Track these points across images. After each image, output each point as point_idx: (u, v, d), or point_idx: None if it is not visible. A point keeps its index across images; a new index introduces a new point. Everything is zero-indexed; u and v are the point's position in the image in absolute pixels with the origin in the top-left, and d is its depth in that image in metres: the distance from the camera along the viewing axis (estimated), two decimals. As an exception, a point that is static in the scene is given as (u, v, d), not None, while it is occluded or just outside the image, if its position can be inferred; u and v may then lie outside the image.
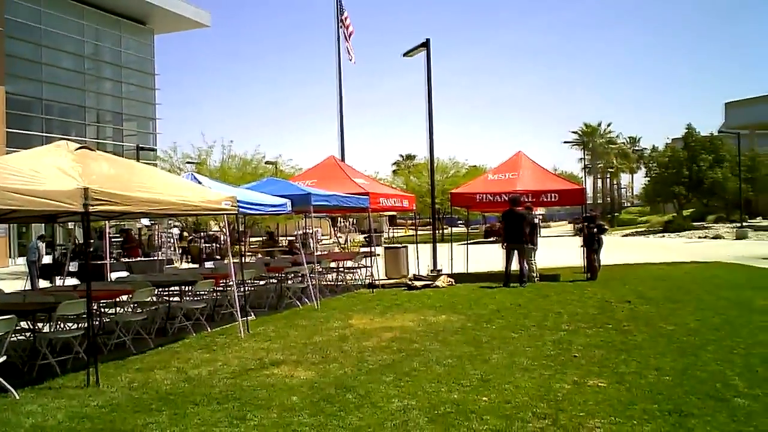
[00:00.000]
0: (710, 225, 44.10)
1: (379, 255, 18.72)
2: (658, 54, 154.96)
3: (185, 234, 35.67)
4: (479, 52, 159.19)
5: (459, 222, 46.68)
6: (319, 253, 21.45)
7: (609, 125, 79.46)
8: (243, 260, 15.60)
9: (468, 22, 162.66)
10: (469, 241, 20.59)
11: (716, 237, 35.77)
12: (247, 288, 13.36)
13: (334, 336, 9.77)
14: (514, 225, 15.74)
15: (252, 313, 11.82)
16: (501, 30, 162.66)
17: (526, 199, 16.76)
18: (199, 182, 11.82)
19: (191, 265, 25.68)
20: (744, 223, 37.46)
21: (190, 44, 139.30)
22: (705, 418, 5.37)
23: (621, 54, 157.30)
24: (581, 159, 78.64)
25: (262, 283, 14.90)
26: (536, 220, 17.02)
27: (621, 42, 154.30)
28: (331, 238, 44.41)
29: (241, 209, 10.62)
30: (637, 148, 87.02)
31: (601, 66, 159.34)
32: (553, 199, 17.59)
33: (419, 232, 28.79)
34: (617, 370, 7.04)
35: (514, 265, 15.59)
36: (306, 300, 13.44)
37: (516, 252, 15.72)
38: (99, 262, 16.65)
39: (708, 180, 43.32)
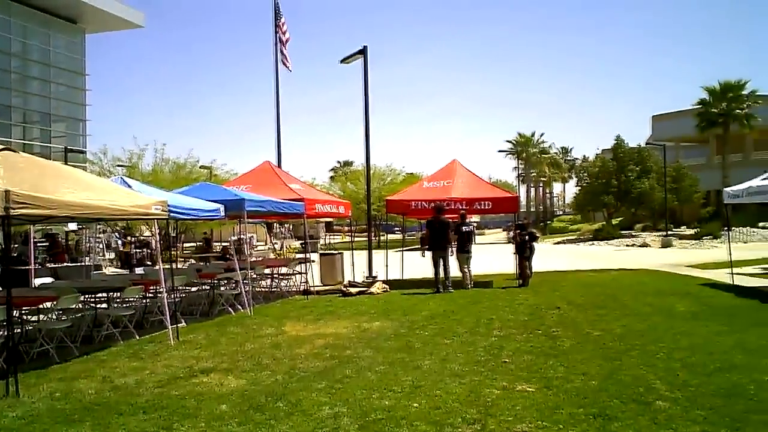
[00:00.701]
0: (637, 233, 45.51)
1: (314, 261, 18.65)
2: (590, 67, 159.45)
3: (128, 239, 34.73)
4: (418, 62, 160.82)
5: (395, 229, 46.89)
6: (253, 259, 21.21)
7: (542, 135, 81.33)
8: (175, 266, 15.31)
9: (407, 32, 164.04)
10: (404, 248, 20.71)
11: (643, 245, 36.93)
12: (178, 294, 13.11)
13: (267, 343, 9.67)
14: (439, 232, 16.08)
15: (183, 321, 11.60)
16: (440, 40, 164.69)
17: (461, 207, 17.01)
18: (129, 186, 11.55)
19: (121, 271, 25.02)
20: (669, 232, 38.80)
21: (123, 45, 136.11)
22: (627, 422, 5.52)
23: (555, 66, 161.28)
24: (515, 168, 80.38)
25: (194, 289, 14.64)
26: (470, 228, 17.23)
27: (555, 55, 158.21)
28: (266, 244, 43.93)
29: (172, 214, 10.41)
30: (569, 158, 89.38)
31: (536, 77, 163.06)
32: (486, 207, 17.84)
33: (356, 239, 28.78)
34: (545, 375, 7.18)
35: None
36: (239, 307, 13.27)
37: (441, 259, 15.98)
38: (23, 268, 16.03)
39: (635, 190, 44.73)
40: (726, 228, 26.38)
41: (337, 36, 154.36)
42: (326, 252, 22.36)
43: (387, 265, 17.92)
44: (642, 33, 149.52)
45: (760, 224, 39.57)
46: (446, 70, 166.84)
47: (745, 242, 33.79)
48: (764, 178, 15.15)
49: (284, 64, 34.70)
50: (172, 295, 11.78)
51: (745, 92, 44.96)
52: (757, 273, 18.34)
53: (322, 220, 43.66)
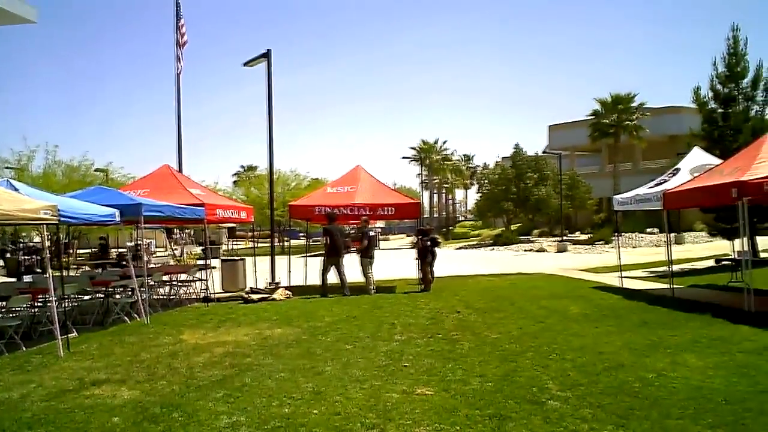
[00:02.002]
0: (535, 239, 47.09)
1: (215, 268, 18.27)
2: (492, 77, 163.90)
3: (16, 245, 32.85)
4: (325, 68, 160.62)
5: (299, 234, 46.56)
6: (151, 265, 20.56)
7: (445, 143, 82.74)
8: (67, 273, 14.65)
9: (312, 39, 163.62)
10: (308, 254, 20.61)
11: (540, 250, 38.20)
12: (69, 303, 12.54)
13: (164, 352, 9.39)
14: (333, 239, 16.41)
15: (74, 330, 11.10)
16: (346, 47, 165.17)
17: (364, 213, 17.12)
18: (16, 189, 10.95)
19: (8, 279, 23.68)
20: (564, 238, 40.32)
21: (12, 41, 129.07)
22: (522, 421, 5.70)
23: (458, 75, 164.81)
24: (419, 174, 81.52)
25: (87, 297, 14.03)
26: (372, 233, 17.36)
27: (459, 64, 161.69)
28: (166, 250, 42.68)
29: (63, 219, 9.96)
30: (471, 165, 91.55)
31: (440, 86, 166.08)
32: (389, 213, 18.00)
33: (259, 245, 28.38)
34: (444, 378, 7.30)
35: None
36: (135, 315, 12.82)
37: (334, 266, 16.34)
38: None
39: (533, 197, 46.22)
40: (616, 233, 27.65)
41: (244, 40, 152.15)
42: (228, 258, 21.94)
43: (290, 271, 17.77)
44: (540, 45, 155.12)
45: (648, 230, 41.74)
46: (352, 77, 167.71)
47: (633, 247, 35.53)
48: (650, 187, 16.02)
49: (177, 63, 33.87)
50: (63, 304, 11.26)
51: (634, 104, 47.37)
52: (644, 276, 19.32)
53: (224, 225, 42.83)
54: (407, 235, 63.90)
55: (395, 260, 27.68)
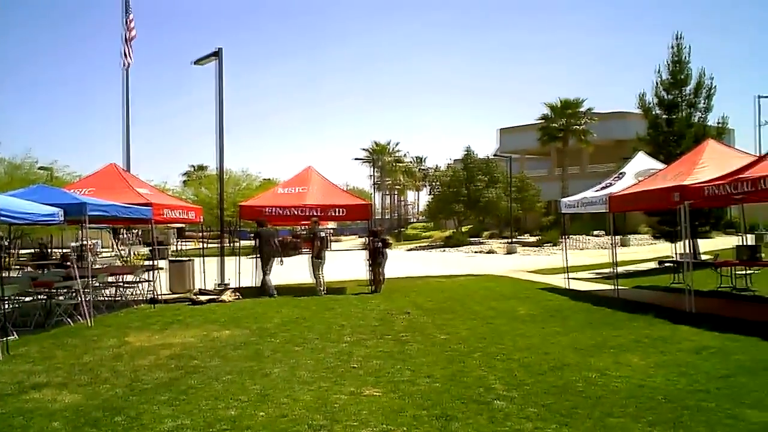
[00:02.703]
0: (485, 240, 47.58)
1: (162, 269, 17.95)
2: (444, 81, 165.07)
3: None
4: (278, 69, 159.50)
5: (250, 235, 46.10)
6: (96, 266, 20.11)
7: (397, 144, 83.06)
8: (7, 274, 14.21)
9: (266, 39, 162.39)
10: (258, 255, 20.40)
11: (490, 252, 38.63)
12: (9, 305, 12.17)
13: (107, 355, 9.18)
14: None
15: (14, 333, 10.76)
16: (300, 48, 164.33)
17: (315, 213, 17.09)
18: (-47, 187, 10.60)
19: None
20: (513, 240, 40.88)
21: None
22: (467, 421, 5.75)
23: (411, 77, 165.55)
24: (371, 176, 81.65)
25: (27, 299, 13.63)
26: (323, 234, 17.33)
27: (412, 66, 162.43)
28: (112, 250, 41.80)
29: (2, 218, 9.66)
30: (423, 167, 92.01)
31: (392, 88, 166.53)
32: (340, 214, 17.97)
33: (209, 245, 28.01)
34: (392, 379, 7.32)
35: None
36: (78, 317, 12.50)
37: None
38: None
39: (483, 199, 46.69)
40: (564, 235, 28.15)
41: (195, 37, 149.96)
42: (176, 259, 21.60)
43: (239, 272, 17.60)
44: (491, 50, 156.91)
45: (595, 232, 42.61)
46: (306, 78, 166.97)
47: (581, 249, 36.22)
48: (596, 190, 16.35)
49: (124, 60, 33.20)
50: (2, 306, 10.92)
51: (582, 109, 48.31)
52: (590, 277, 19.72)
53: (173, 225, 42.13)
54: (359, 236, 63.90)
55: (346, 261, 27.62)
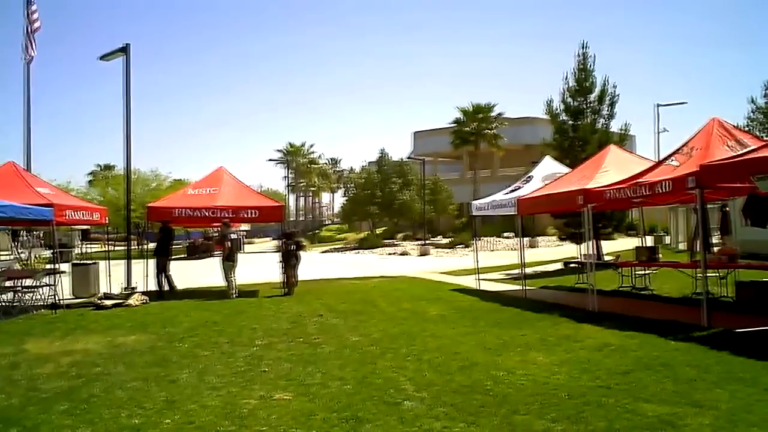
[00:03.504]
0: (399, 242, 48.03)
1: (65, 272, 17.21)
2: (360, 82, 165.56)
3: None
4: (192, 66, 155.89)
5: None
6: (-7, 270, 19.03)
7: (312, 146, 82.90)
8: None
9: (175, 37, 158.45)
10: (169, 257, 19.87)
11: (404, 253, 39.02)
12: None
13: (3, 364, 8.71)
14: (164, 241, 17.50)
15: None
16: (213, 45, 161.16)
17: (226, 215, 16.82)
18: None
19: None
20: (427, 241, 41.42)
21: None
22: (377, 423, 5.76)
23: (327, 79, 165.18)
24: (285, 177, 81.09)
25: None
26: (235, 236, 17.07)
27: (327, 69, 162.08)
28: (11, 253, 39.74)
29: None
30: (337, 169, 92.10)
31: (307, 89, 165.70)
32: (253, 215, 17.72)
33: (116, 248, 27.08)
34: (304, 382, 7.27)
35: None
36: (-29, 324, 11.83)
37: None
38: None
39: (398, 201, 47.15)
40: (475, 237, 28.73)
41: (102, 32, 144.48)
42: (79, 262, 20.76)
43: (147, 276, 17.08)
44: (407, 54, 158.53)
45: (505, 234, 43.68)
46: (219, 77, 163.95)
47: (492, 250, 37.08)
48: (506, 193, 16.77)
49: (25, 54, 31.68)
50: None
51: (493, 114, 49.47)
52: (499, 278, 20.21)
53: (76, 227, 40.50)
54: (272, 239, 63.21)
55: (259, 264, 27.27)
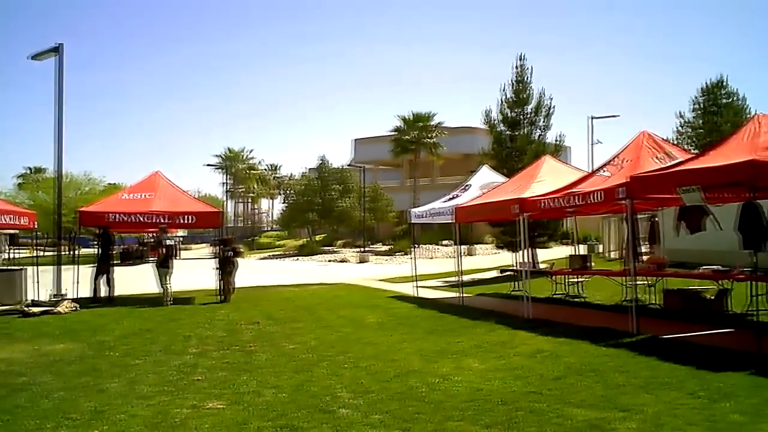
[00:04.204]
0: (338, 249, 47.96)
1: (-11, 278, 16.58)
2: (302, 88, 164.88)
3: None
4: (128, 67, 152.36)
5: (92, 242, 43.66)
6: None
7: (251, 151, 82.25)
8: None
9: (116, 36, 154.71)
10: (111, 263, 19.37)
11: (343, 260, 38.98)
12: None
13: None
14: (104, 248, 17.38)
15: None
16: (149, 48, 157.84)
17: (162, 221, 16.52)
18: None
19: None
20: (366, 248, 41.48)
21: None
22: (312, 431, 5.73)
23: (267, 84, 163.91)
24: (223, 183, 79.95)
25: None
26: (171, 242, 16.77)
27: (268, 74, 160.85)
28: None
29: None
30: (277, 175, 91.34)
31: (246, 94, 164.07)
32: (189, 221, 17.48)
33: (46, 253, 26.21)
34: (238, 391, 7.17)
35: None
36: None
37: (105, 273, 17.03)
38: None
39: (337, 208, 47.09)
40: (414, 245, 28.92)
41: (34, 32, 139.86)
42: (5, 268, 20.02)
43: (77, 282, 16.59)
44: (348, 63, 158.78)
45: (444, 242, 44.08)
46: (156, 79, 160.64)
47: (430, 258, 37.36)
48: (444, 201, 16.95)
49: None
50: None
51: (433, 123, 49.97)
52: (437, 286, 20.38)
53: (3, 231, 39.00)
54: (210, 245, 62.27)
55: (195, 270, 26.80)
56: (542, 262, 23.89)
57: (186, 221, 17.44)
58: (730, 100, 35.84)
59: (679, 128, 37.22)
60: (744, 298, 11.11)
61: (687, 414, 5.83)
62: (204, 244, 69.41)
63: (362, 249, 41.16)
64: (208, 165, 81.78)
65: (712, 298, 12.20)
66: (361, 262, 37.22)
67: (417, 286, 18.02)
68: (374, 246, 48.11)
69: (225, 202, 75.39)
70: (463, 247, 26.31)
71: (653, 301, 13.70)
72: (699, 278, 12.86)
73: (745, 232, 10.20)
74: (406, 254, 39.65)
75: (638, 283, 11.98)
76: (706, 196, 9.20)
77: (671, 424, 5.58)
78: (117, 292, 17.26)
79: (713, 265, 13.03)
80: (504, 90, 24.64)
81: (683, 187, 8.96)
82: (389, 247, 44.92)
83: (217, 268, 17.19)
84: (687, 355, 8.31)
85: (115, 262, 18.42)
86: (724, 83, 36.10)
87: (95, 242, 19.05)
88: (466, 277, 20.00)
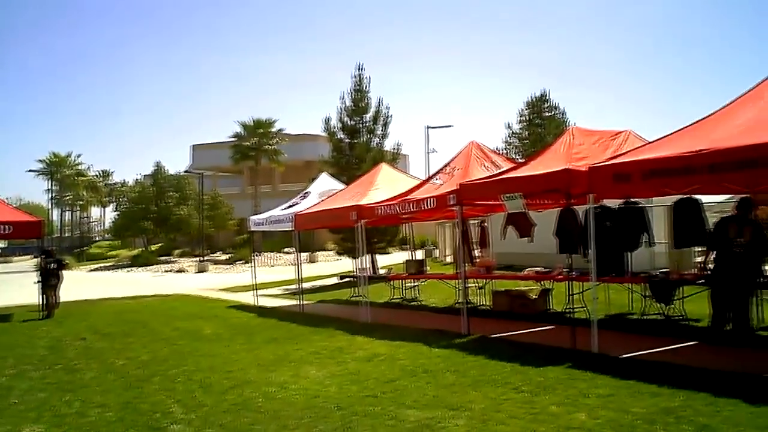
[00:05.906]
0: (176, 259, 46.28)
1: None
2: (135, 93, 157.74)
3: None
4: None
5: None
6: None
7: (79, 156, 77.30)
8: None
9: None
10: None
11: (180, 270, 37.69)
12: None
13: None
14: None
15: None
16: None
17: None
18: None
19: None
20: (205, 258, 40.36)
21: None
22: (140, 450, 5.48)
23: (100, 90, 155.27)
24: (48, 190, 74.76)
25: None
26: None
27: (101, 78, 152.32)
28: None
29: None
30: (109, 182, 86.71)
31: (74, 95, 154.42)
32: (7, 232, 16.20)
33: None
34: (58, 413, 6.70)
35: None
36: None
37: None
38: None
39: (174, 216, 45.47)
40: (253, 253, 28.52)
41: None
42: None
43: None
44: (185, 66, 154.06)
45: (286, 249, 43.83)
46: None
47: (272, 266, 37.01)
48: (283, 209, 16.87)
49: None
50: None
51: (274, 130, 49.52)
52: (278, 294, 20.23)
53: None
54: (34, 256, 57.92)
55: (16, 284, 24.84)
56: (382, 267, 24.38)
57: (2, 232, 16.13)
58: (552, 114, 38.64)
59: (508, 138, 39.58)
60: (564, 297, 12.00)
61: (511, 408, 6.17)
62: (27, 256, 64.53)
63: (201, 258, 40.01)
64: (31, 171, 75.99)
65: (536, 297, 13.02)
66: (199, 271, 36.17)
67: (257, 295, 17.77)
68: (214, 255, 46.88)
69: (50, 211, 70.58)
70: (305, 254, 26.38)
71: (483, 303, 14.40)
72: (524, 279, 13.74)
73: (562, 236, 11.00)
74: (246, 263, 39.00)
75: (469, 285, 12.55)
76: (527, 203, 9.83)
77: (496, 418, 5.88)
78: None
79: (537, 267, 13.96)
80: (343, 98, 24.97)
81: (506, 194, 9.53)
82: (229, 255, 43.94)
83: (39, 282, 16.01)
84: (512, 352, 8.79)
85: None
86: (547, 97, 38.84)
87: None
88: (307, 285, 20.01)
